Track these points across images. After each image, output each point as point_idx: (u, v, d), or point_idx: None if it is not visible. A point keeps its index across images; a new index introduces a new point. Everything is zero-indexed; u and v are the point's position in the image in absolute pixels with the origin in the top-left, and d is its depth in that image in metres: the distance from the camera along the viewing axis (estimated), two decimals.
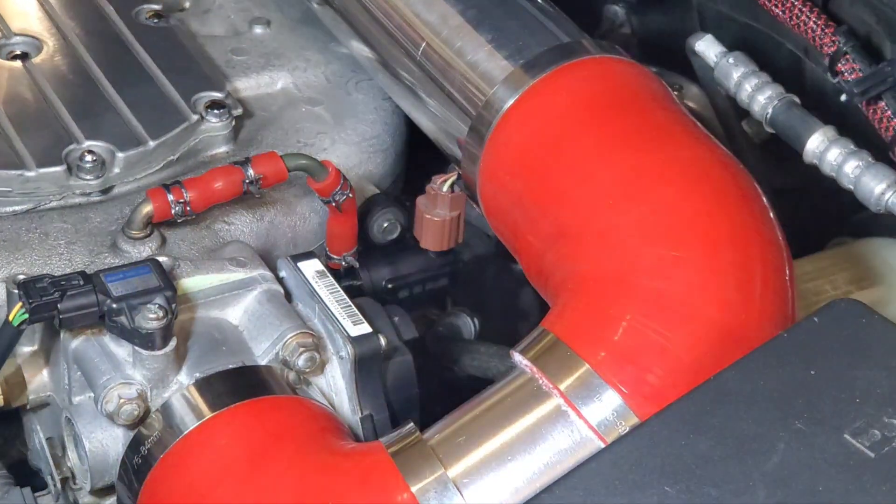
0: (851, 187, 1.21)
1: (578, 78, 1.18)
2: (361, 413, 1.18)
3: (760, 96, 1.29)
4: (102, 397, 1.12)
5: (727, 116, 1.50)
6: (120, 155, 1.34)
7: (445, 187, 1.33)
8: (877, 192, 1.18)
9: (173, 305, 1.12)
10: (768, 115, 1.28)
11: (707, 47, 1.35)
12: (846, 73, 1.23)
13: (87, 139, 1.34)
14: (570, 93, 1.17)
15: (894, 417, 0.92)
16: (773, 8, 1.29)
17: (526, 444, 1.03)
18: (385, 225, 1.38)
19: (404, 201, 1.40)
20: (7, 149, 1.33)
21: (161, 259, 1.20)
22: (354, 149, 1.45)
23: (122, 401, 1.11)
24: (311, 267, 1.25)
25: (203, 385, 1.13)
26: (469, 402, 1.09)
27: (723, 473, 0.89)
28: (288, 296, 1.23)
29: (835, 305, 1.01)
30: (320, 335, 1.19)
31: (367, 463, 1.06)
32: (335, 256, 1.35)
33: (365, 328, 1.18)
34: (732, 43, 1.36)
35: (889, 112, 1.21)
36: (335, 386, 1.19)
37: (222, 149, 1.41)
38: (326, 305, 1.20)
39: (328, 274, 1.24)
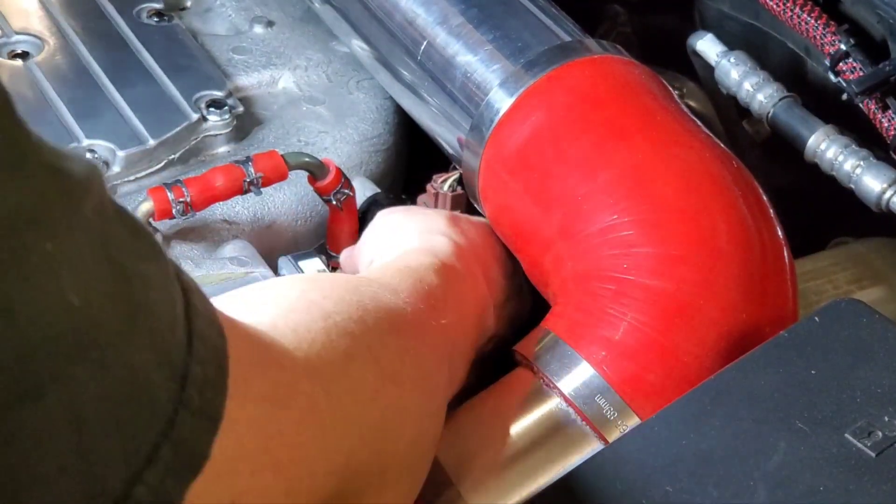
0: (852, 186, 1.20)
1: (579, 77, 1.18)
2: None
3: (761, 95, 1.28)
4: None
5: (728, 115, 1.50)
6: (121, 154, 1.34)
7: (446, 186, 1.32)
8: (877, 192, 1.18)
9: None
10: (769, 115, 1.28)
11: (708, 46, 1.35)
12: (847, 73, 1.22)
13: (88, 138, 1.34)
14: (571, 92, 1.17)
15: None
16: (774, 7, 1.28)
17: (526, 442, 1.03)
18: None
19: (405, 200, 1.39)
20: None
21: None
22: (356, 148, 1.45)
23: None
24: (312, 266, 1.25)
25: None
26: (470, 401, 1.09)
27: (723, 473, 0.88)
28: None
29: (835, 305, 1.01)
30: None
31: None
32: (336, 255, 1.35)
33: None
34: (733, 42, 1.36)
35: (890, 111, 1.20)
36: None
37: (223, 148, 1.41)
38: None
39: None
